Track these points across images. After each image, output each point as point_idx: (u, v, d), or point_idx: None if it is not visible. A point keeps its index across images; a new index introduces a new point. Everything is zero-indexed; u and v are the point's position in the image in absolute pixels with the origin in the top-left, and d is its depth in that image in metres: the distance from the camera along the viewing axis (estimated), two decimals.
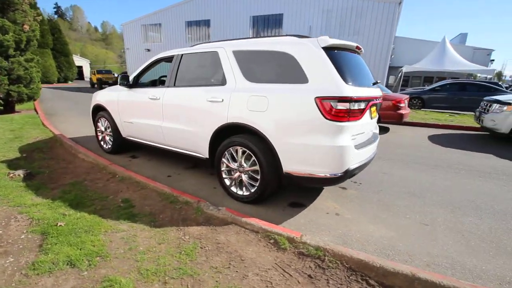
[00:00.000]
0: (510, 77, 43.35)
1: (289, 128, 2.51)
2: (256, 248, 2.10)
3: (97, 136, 4.84)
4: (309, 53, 2.48)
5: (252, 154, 2.75)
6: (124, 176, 3.42)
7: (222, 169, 3.06)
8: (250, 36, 19.51)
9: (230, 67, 2.94)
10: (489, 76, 18.37)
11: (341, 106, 2.33)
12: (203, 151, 3.23)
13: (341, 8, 16.50)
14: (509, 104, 5.77)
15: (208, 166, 3.29)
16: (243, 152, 2.84)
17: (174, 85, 3.47)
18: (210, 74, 3.23)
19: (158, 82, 4.50)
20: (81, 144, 4.91)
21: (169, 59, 3.71)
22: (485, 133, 7.29)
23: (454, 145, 6.04)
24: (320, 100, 2.34)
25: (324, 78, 2.39)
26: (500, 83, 14.31)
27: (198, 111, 3.13)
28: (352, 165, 2.52)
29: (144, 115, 3.81)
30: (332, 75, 2.37)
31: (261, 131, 2.62)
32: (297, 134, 2.48)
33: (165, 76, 4.59)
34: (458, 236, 2.46)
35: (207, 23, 20.67)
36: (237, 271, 1.85)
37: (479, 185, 3.70)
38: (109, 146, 4.61)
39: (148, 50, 23.05)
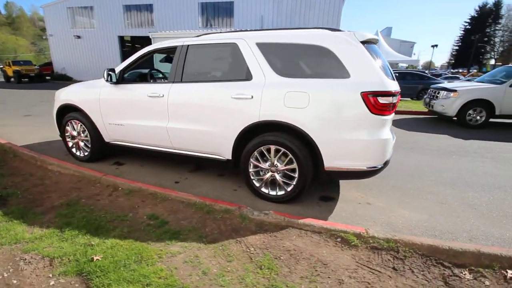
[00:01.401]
0: (421, 66, 50.89)
1: (333, 124, 2.48)
2: (328, 250, 2.06)
3: (66, 142, 4.05)
4: (349, 48, 2.46)
5: (288, 152, 2.64)
6: (131, 189, 2.94)
7: (250, 170, 2.88)
8: (200, 25, 18.59)
9: (256, 61, 2.73)
10: (405, 66, 21.38)
11: (385, 100, 2.39)
12: (224, 153, 2.99)
13: None
14: (455, 91, 6.78)
15: (229, 167, 3.05)
16: (277, 151, 2.72)
17: (181, 81, 3.08)
18: (228, 68, 2.96)
19: (150, 77, 3.94)
20: (43, 153, 4.04)
21: (168, 51, 3.27)
22: (434, 116, 8.46)
23: (414, 128, 6.86)
24: (366, 95, 2.36)
25: (367, 73, 2.41)
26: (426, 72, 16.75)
27: (220, 110, 2.86)
28: (389, 156, 2.64)
29: (140, 116, 3.31)
30: (375, 69, 2.41)
31: (302, 128, 2.53)
32: (341, 130, 2.47)
33: (155, 70, 4.11)
34: (473, 210, 2.81)
35: (149, 7, 18.92)
36: (329, 277, 1.78)
37: (455, 163, 4.29)
38: (86, 154, 3.91)
39: (79, 37, 20.12)
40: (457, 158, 4.49)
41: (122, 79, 3.46)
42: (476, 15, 48.77)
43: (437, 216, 2.69)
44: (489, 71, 10.92)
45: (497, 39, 48.61)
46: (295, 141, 2.62)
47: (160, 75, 4.28)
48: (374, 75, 2.39)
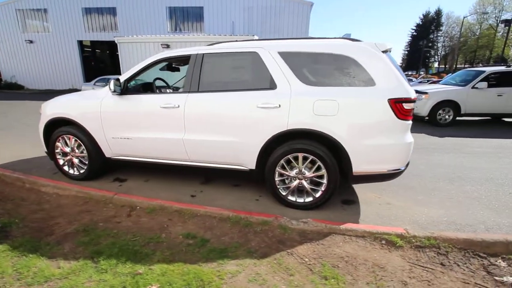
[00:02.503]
0: None
1: (362, 130, 2.57)
2: (378, 253, 2.12)
3: (55, 160, 3.64)
4: (373, 57, 2.58)
5: (317, 159, 2.68)
6: (152, 207, 2.74)
7: (276, 179, 2.87)
8: (169, 29, 18.02)
9: (280, 70, 2.74)
10: None
11: (408, 106, 2.55)
12: (248, 163, 2.93)
13: (261, 6, 17.19)
14: (426, 93, 7.44)
15: (252, 178, 3.00)
16: (304, 158, 2.74)
17: (198, 90, 2.96)
18: (250, 77, 2.92)
19: (155, 87, 3.71)
20: (27, 173, 3.60)
21: (180, 59, 3.13)
22: None
23: None
24: (393, 102, 2.49)
25: (391, 81, 2.55)
26: None
27: (244, 119, 2.80)
28: (409, 158, 2.81)
29: (152, 128, 3.11)
30: (398, 77, 2.56)
31: (332, 136, 2.59)
32: (370, 135, 2.57)
33: (159, 79, 3.90)
34: (477, 203, 3.10)
35: (112, 11, 17.93)
36: (392, 280, 1.84)
37: (441, 159, 4.70)
38: (82, 171, 3.55)
39: (31, 41, 18.30)
40: (441, 155, 4.92)
41: (126, 89, 3.22)
42: (421, 23, 54.06)
43: (451, 210, 2.92)
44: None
45: (439, 44, 54.36)
46: (323, 148, 2.67)
47: (163, 84, 4.07)
48: (398, 82, 2.54)
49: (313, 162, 2.73)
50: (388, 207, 2.97)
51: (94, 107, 3.27)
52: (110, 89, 3.04)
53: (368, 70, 2.57)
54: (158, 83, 3.78)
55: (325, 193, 2.76)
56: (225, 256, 2.03)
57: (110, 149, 3.38)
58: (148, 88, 3.64)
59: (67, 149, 3.55)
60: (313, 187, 2.81)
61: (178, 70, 4.12)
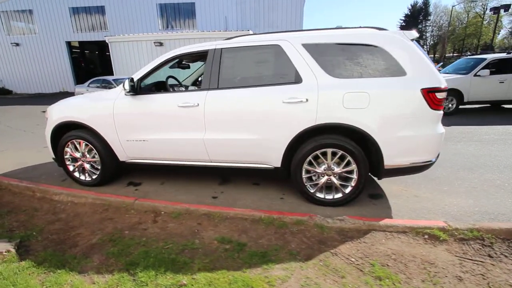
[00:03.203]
0: None
1: (394, 121, 2.49)
2: (423, 248, 2.06)
3: (65, 166, 3.46)
4: (402, 46, 2.50)
5: (347, 154, 2.60)
6: (178, 211, 2.62)
7: (304, 176, 2.78)
8: (160, 27, 17.60)
9: (305, 63, 2.63)
10: None
11: (440, 95, 2.48)
12: (273, 160, 2.83)
13: (254, 0, 16.92)
14: None
15: (278, 176, 2.91)
16: (333, 154, 2.65)
17: (218, 87, 2.83)
18: (272, 71, 2.80)
19: (168, 85, 3.54)
20: (34, 181, 3.42)
21: (196, 55, 2.98)
22: None
23: None
24: (426, 91, 2.42)
25: (422, 70, 2.47)
26: None
27: (269, 115, 2.69)
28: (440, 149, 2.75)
29: (169, 128, 2.97)
30: (429, 66, 2.48)
31: (363, 129, 2.50)
32: (402, 127, 2.50)
33: (171, 77, 3.74)
34: (502, 191, 3.07)
35: (100, 10, 17.41)
36: (446, 276, 1.77)
37: (454, 148, 4.68)
38: (95, 177, 3.39)
39: (17, 44, 17.63)
40: (453, 144, 4.91)
41: (139, 89, 3.06)
42: (409, 13, 54.48)
43: (480, 200, 2.88)
44: None
45: (428, 34, 54.92)
46: (352, 142, 2.59)
47: (175, 82, 3.90)
48: (430, 71, 2.47)
49: (341, 157, 2.65)
50: (417, 200, 2.91)
51: (106, 109, 3.10)
52: (124, 89, 2.88)
53: (398, 59, 2.48)
54: (170, 81, 3.62)
55: (356, 188, 2.68)
56: (268, 260, 1.93)
57: (125, 152, 3.23)
58: (161, 87, 3.48)
59: (78, 154, 3.38)
60: (342, 183, 2.73)
61: (188, 67, 3.96)
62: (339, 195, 2.76)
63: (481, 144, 4.83)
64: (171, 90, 3.49)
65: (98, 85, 10.80)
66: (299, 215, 2.44)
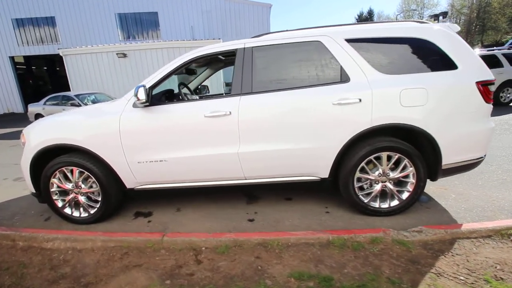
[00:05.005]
0: None
1: (453, 117, 2.34)
2: None
3: (52, 202, 2.73)
4: (450, 38, 2.37)
5: (404, 157, 2.37)
6: (223, 244, 2.12)
7: (356, 185, 2.48)
8: (121, 38, 16.41)
9: (351, 59, 2.37)
10: None
11: (492, 88, 2.39)
12: (321, 171, 2.50)
13: (220, 9, 16.71)
14: None
15: (326, 187, 2.58)
16: (388, 158, 2.41)
17: (252, 92, 2.44)
18: (314, 71, 2.48)
19: (181, 93, 3.00)
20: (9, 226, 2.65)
21: (222, 56, 2.55)
22: None
23: None
24: (480, 85, 2.30)
25: (472, 62, 2.37)
26: None
27: (317, 120, 2.37)
28: None
29: (195, 144, 2.48)
30: (478, 59, 2.39)
31: (423, 128, 2.30)
32: (460, 123, 2.35)
33: (182, 84, 3.22)
34: None
35: (50, 21, 15.73)
36: None
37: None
38: (93, 211, 2.72)
39: None
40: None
41: (151, 99, 2.53)
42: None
43: None
44: None
45: None
46: (408, 143, 2.38)
47: (186, 90, 3.37)
48: (480, 64, 2.37)
49: (397, 161, 2.41)
50: (465, 198, 2.79)
51: (109, 125, 2.50)
52: (138, 98, 2.32)
53: (448, 52, 2.34)
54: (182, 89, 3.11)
55: (414, 193, 2.46)
56: None
57: (134, 178, 2.63)
58: (172, 96, 2.95)
59: (68, 186, 2.69)
60: (398, 189, 2.49)
61: (194, 73, 3.49)
62: (395, 202, 2.51)
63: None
64: (186, 99, 2.99)
65: (57, 101, 9.53)
66: (371, 232, 2.12)
